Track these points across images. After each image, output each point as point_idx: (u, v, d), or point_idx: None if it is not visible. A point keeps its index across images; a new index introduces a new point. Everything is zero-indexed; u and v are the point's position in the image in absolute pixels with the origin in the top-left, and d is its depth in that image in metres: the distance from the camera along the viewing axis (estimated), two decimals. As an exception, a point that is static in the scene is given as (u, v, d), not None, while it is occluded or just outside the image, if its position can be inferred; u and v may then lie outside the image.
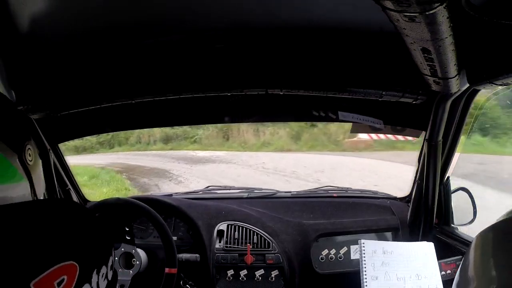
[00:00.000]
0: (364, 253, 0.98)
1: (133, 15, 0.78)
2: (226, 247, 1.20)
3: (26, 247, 0.40)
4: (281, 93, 1.02)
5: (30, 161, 0.49)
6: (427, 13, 0.44)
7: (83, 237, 0.48)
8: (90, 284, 0.45)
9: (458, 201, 1.17)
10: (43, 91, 1.04)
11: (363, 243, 1.00)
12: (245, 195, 1.47)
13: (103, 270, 0.49)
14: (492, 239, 0.38)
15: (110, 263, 0.52)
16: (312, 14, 0.79)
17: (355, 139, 7.23)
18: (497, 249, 0.36)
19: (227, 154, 8.47)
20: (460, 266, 0.42)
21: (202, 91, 1.05)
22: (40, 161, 0.53)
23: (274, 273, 1.17)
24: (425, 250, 0.99)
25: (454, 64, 0.69)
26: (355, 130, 1.26)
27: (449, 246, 1.10)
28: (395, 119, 1.20)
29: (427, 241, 1.01)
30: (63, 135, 1.33)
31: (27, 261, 0.39)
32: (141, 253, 1.11)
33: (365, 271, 0.96)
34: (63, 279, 0.41)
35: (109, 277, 0.51)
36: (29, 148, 0.49)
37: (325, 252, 1.23)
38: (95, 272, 0.47)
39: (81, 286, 0.44)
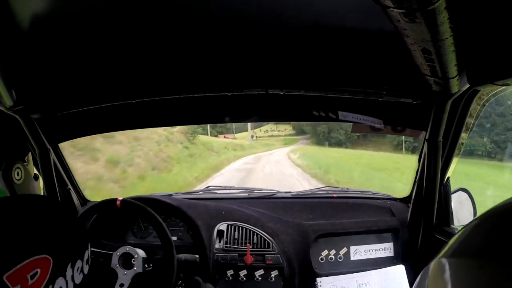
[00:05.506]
0: None
1: (132, 13, 0.78)
2: (226, 247, 1.20)
3: None
4: (281, 93, 1.02)
5: (18, 180, 0.50)
6: (428, 8, 0.44)
7: (57, 231, 0.49)
8: (65, 277, 0.47)
9: (458, 202, 1.17)
10: (43, 91, 1.04)
11: (320, 281, 0.96)
12: (245, 195, 1.47)
13: (78, 264, 0.50)
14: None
15: (86, 257, 0.53)
16: (313, 14, 0.79)
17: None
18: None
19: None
20: None
21: (203, 91, 1.05)
22: (32, 183, 0.55)
23: (274, 273, 1.17)
24: (395, 274, 0.96)
25: (455, 65, 0.69)
26: (355, 130, 1.26)
27: None
28: (395, 119, 1.20)
29: (427, 241, 1.01)
30: (63, 135, 1.33)
31: None
32: (141, 253, 1.11)
33: None
34: (36, 272, 0.42)
35: (85, 271, 0.53)
36: (18, 167, 0.50)
37: (324, 252, 1.23)
38: (69, 265, 0.48)
39: (55, 279, 0.45)
